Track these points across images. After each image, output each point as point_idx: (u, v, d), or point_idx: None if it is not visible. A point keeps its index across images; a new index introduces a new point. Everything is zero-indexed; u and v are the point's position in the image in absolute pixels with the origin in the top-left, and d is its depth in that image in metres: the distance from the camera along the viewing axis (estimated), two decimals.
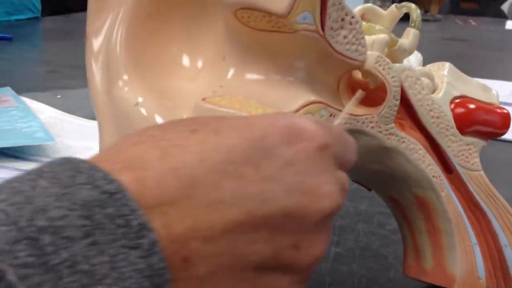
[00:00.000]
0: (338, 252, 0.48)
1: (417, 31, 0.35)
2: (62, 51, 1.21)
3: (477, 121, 0.36)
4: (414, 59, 0.38)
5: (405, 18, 0.37)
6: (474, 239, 0.36)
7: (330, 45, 0.29)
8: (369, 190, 0.39)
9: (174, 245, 0.18)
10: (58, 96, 0.86)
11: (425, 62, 1.30)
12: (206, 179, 0.19)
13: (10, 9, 1.49)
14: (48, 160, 0.19)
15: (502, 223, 0.36)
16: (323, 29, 0.29)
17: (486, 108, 0.36)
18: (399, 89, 0.32)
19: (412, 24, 0.35)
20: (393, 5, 0.36)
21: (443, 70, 0.37)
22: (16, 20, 1.49)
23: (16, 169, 0.56)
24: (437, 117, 0.34)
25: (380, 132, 0.33)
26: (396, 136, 0.33)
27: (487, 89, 0.38)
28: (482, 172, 0.36)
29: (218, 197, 0.19)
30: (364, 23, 0.34)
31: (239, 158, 0.20)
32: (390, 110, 0.32)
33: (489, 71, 1.25)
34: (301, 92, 0.30)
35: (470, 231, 0.36)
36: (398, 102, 0.33)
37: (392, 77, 0.32)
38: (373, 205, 0.55)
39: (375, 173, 0.35)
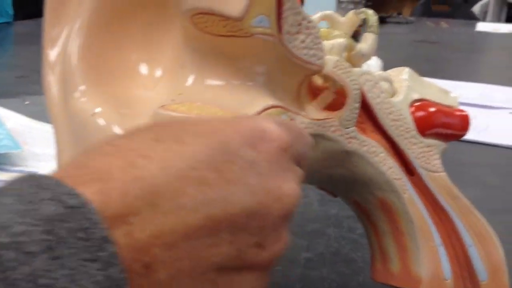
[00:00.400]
0: (309, 257, 0.48)
1: (375, 36, 0.35)
2: (33, 56, 1.19)
3: (437, 124, 0.36)
4: (374, 64, 0.38)
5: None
6: (438, 240, 0.36)
7: (288, 49, 0.29)
8: (335, 196, 0.40)
9: (136, 253, 0.18)
10: (27, 102, 0.84)
11: (397, 64, 1.31)
12: (168, 187, 0.19)
13: None
14: (15, 168, 0.19)
15: (466, 223, 0.36)
16: (280, 33, 0.29)
17: (446, 110, 0.37)
18: (359, 92, 0.33)
19: (370, 29, 0.35)
20: (351, 11, 0.36)
21: (403, 75, 0.37)
22: None
23: None
24: (397, 120, 0.35)
25: (341, 135, 0.33)
26: (357, 139, 0.34)
27: (446, 92, 0.38)
28: (443, 174, 0.36)
29: (180, 204, 0.19)
30: (323, 28, 0.34)
31: (201, 164, 0.20)
32: (351, 113, 0.33)
33: (459, 72, 1.26)
34: (261, 96, 0.30)
35: (434, 232, 0.36)
36: (358, 105, 0.33)
37: (351, 81, 0.32)
38: (344, 209, 0.55)
39: (337, 178, 0.36)
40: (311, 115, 0.32)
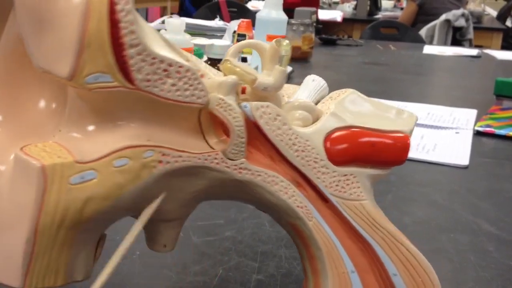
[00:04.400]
0: (259, 279, 0.47)
1: (282, 68, 0.35)
2: None
3: (358, 152, 0.35)
4: (312, 87, 0.38)
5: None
6: (351, 266, 0.36)
7: (153, 94, 0.31)
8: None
9: None
10: None
11: (347, 85, 1.33)
12: None
13: None
14: None
15: (390, 252, 0.36)
16: (132, 83, 0.30)
17: (373, 141, 0.35)
18: (242, 128, 0.33)
19: (280, 61, 0.35)
20: (274, 40, 0.36)
21: (338, 99, 0.36)
22: None
23: None
24: (302, 151, 0.35)
25: (227, 167, 0.34)
26: (249, 170, 0.34)
27: (399, 114, 0.38)
28: (364, 202, 0.36)
29: None
30: (228, 64, 0.34)
31: None
32: (237, 147, 0.34)
33: (407, 93, 1.29)
34: (115, 139, 0.32)
35: (345, 258, 0.36)
36: (244, 140, 0.34)
37: (233, 118, 0.33)
38: None
39: (250, 202, 0.36)
40: (199, 149, 0.33)
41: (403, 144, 0.36)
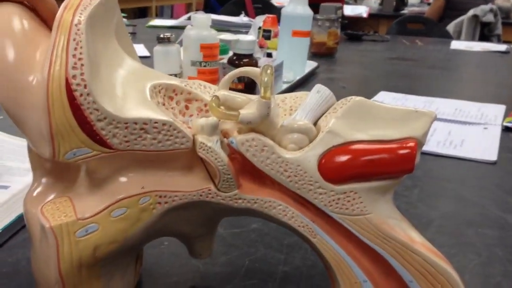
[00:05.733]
0: (286, 270, 0.48)
1: (263, 100, 0.34)
2: None
3: (356, 169, 0.34)
4: (314, 102, 0.37)
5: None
6: (362, 277, 0.36)
7: (136, 151, 0.34)
8: None
9: None
10: (1, 117, 0.83)
11: (373, 80, 1.31)
12: None
13: None
14: None
15: (403, 261, 0.35)
16: (111, 148, 0.34)
17: (374, 152, 0.34)
18: (225, 166, 0.35)
19: (261, 91, 0.34)
20: (264, 65, 0.35)
21: (344, 109, 0.35)
22: None
23: None
24: (295, 176, 0.35)
25: (223, 199, 0.36)
26: (244, 199, 0.36)
27: (411, 116, 0.35)
28: (369, 216, 0.35)
29: None
30: (213, 104, 0.35)
31: None
32: (226, 182, 0.36)
33: (435, 89, 1.28)
34: (112, 193, 0.35)
35: (355, 270, 0.36)
36: (230, 176, 0.35)
37: (215, 159, 0.35)
38: None
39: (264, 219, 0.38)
40: (193, 186, 0.36)
41: (408, 154, 0.34)
